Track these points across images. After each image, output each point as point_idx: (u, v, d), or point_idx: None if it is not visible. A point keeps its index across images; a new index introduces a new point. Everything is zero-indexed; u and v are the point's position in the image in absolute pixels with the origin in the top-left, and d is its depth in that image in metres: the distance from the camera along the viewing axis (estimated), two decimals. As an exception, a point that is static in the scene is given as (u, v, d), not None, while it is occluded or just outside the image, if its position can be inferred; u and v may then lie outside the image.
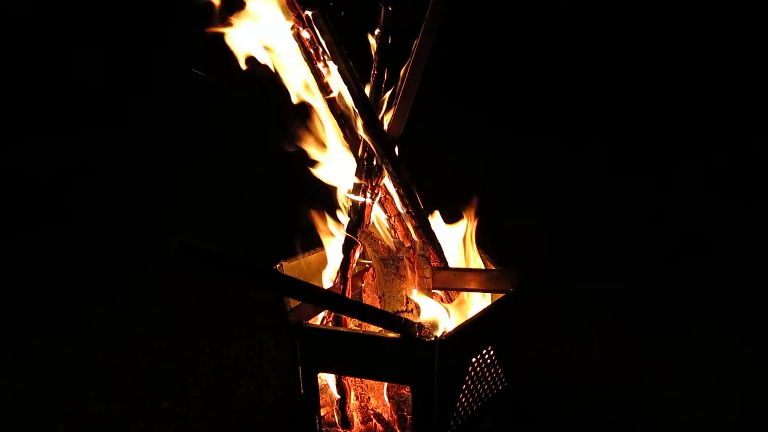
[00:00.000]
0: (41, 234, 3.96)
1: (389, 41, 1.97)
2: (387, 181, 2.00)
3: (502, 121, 5.61)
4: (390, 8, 1.95)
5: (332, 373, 1.91)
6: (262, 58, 1.96)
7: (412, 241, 2.01)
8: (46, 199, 4.57)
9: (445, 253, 2.08)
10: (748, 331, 2.71)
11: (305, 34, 1.92)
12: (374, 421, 1.97)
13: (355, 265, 1.98)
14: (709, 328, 2.75)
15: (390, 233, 2.06)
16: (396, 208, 2.02)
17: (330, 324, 1.98)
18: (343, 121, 1.99)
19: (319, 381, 1.91)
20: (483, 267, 2.10)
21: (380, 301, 1.91)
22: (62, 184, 4.84)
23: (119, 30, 5.77)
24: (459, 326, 1.73)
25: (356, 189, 1.96)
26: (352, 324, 2.00)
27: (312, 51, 1.94)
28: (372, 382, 1.96)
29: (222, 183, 4.77)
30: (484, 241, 2.16)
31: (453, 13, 1.81)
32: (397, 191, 1.98)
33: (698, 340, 2.67)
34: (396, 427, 1.94)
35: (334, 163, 2.06)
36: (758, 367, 2.47)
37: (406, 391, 1.93)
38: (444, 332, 1.74)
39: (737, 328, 2.75)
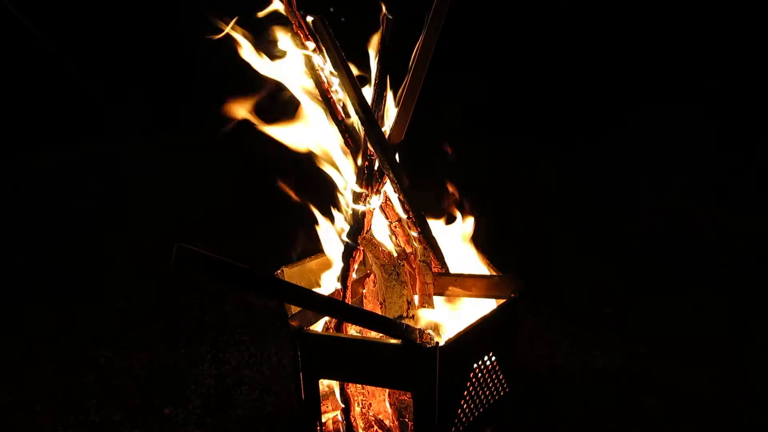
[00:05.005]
0: (42, 238, 3.97)
1: (390, 48, 1.98)
2: (388, 187, 2.00)
3: (499, 122, 5.61)
4: (390, 17, 1.96)
5: (333, 379, 1.90)
6: (263, 63, 1.96)
7: (413, 246, 2.00)
8: (44, 205, 4.58)
9: (446, 259, 2.07)
10: (752, 337, 2.70)
11: (305, 40, 1.93)
12: (376, 427, 1.96)
13: (355, 271, 1.98)
14: (712, 333, 2.74)
15: (391, 239, 2.06)
16: (397, 214, 2.02)
17: (331, 330, 1.98)
18: (344, 128, 1.99)
19: (321, 388, 1.90)
20: (485, 272, 2.10)
21: (381, 308, 1.90)
22: (63, 188, 4.86)
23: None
24: (460, 332, 1.72)
25: (357, 197, 1.95)
26: (352, 330, 1.99)
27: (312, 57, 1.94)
28: (373, 388, 1.95)
29: (221, 187, 4.78)
30: (484, 243, 2.16)
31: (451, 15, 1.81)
32: (398, 197, 1.98)
33: (701, 345, 2.65)
34: (397, 433, 1.93)
35: (334, 169, 2.06)
36: (761, 372, 2.46)
37: (407, 397, 1.92)
38: (445, 338, 1.73)
39: (740, 333, 2.73)
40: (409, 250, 1.99)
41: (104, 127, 5.86)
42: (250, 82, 1.98)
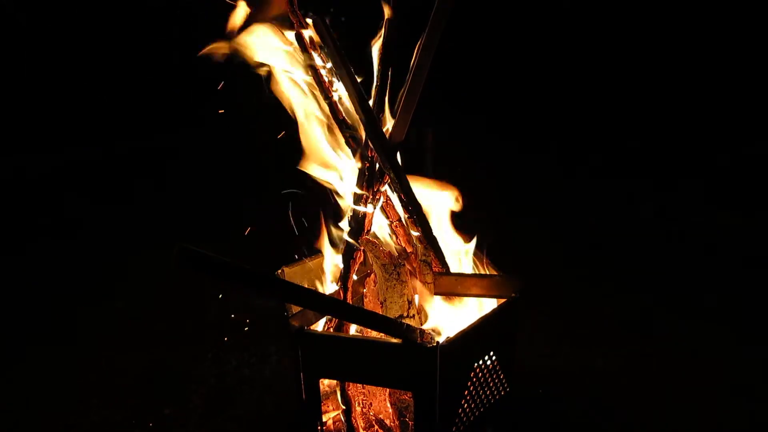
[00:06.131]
0: (42, 241, 3.97)
1: (392, 49, 1.98)
2: (388, 187, 2.00)
3: (502, 125, 5.61)
4: (392, 19, 1.96)
5: (334, 379, 1.90)
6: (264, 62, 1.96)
7: (413, 246, 2.00)
8: (45, 206, 4.58)
9: (446, 258, 2.07)
10: (752, 337, 2.70)
11: (307, 40, 1.93)
12: (376, 427, 1.96)
13: (356, 271, 1.98)
14: (712, 333, 2.74)
15: (391, 239, 2.05)
16: (397, 214, 2.02)
17: (331, 330, 1.97)
18: (345, 127, 1.99)
19: (321, 388, 1.90)
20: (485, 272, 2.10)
21: (382, 307, 1.90)
22: (61, 192, 4.86)
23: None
24: (461, 332, 1.72)
25: (357, 198, 1.95)
26: (353, 330, 1.99)
27: (314, 57, 1.94)
28: (374, 388, 1.95)
29: (221, 188, 4.78)
30: (486, 243, 2.16)
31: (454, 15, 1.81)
32: (399, 197, 1.98)
33: (700, 345, 2.65)
34: (398, 433, 1.93)
35: (335, 169, 2.05)
36: (761, 372, 2.46)
37: (408, 396, 1.92)
38: (446, 338, 1.73)
39: (740, 333, 2.74)
40: (409, 249, 1.99)
41: (102, 129, 5.86)
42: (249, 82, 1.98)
